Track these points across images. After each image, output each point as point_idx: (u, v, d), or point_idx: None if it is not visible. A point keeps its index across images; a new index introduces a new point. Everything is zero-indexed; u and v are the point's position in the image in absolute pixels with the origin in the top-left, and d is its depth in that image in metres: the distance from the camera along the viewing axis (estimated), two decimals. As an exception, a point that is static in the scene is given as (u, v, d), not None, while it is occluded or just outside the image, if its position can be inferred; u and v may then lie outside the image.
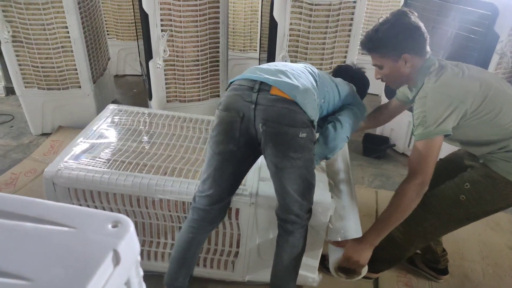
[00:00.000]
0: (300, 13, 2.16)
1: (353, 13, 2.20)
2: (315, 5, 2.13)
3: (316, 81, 1.40)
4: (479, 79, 1.38)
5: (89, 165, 1.51)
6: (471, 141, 1.45)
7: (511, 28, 2.02)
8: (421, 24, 1.39)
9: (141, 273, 0.54)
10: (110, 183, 1.44)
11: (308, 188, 1.32)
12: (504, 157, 1.40)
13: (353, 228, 1.43)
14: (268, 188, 1.43)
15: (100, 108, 2.25)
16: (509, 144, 1.37)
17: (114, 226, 0.50)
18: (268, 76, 1.30)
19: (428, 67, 1.39)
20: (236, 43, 3.39)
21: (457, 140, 1.49)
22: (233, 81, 1.36)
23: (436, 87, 1.33)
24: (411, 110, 1.80)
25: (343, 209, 1.49)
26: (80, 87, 2.59)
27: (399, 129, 2.65)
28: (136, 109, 1.96)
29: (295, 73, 1.36)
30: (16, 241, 0.46)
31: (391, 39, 1.37)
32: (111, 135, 1.75)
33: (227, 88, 1.37)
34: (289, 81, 1.30)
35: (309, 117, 1.26)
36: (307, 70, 1.44)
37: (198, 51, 2.38)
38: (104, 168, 1.51)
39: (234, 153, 1.30)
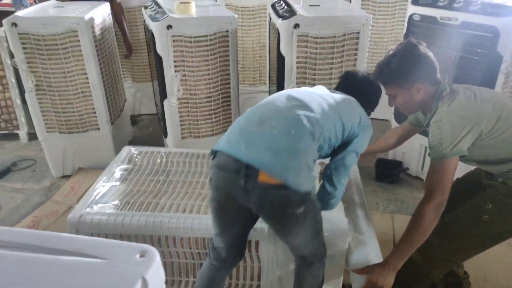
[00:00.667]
0: (306, 46, 2.25)
1: (357, 44, 2.28)
2: (320, 38, 2.22)
3: (318, 118, 1.28)
4: (491, 100, 1.42)
5: (110, 209, 1.57)
6: (489, 160, 1.47)
7: (514, 48, 2.06)
8: (430, 54, 1.45)
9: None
10: (131, 225, 1.50)
11: (316, 233, 1.34)
12: None
13: (374, 253, 1.43)
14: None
15: (118, 147, 2.34)
16: None
17: (141, 256, 0.55)
18: (255, 156, 1.19)
19: (441, 92, 1.45)
20: (246, 78, 3.51)
21: (474, 160, 1.51)
22: (218, 151, 1.28)
23: (450, 110, 1.38)
24: (422, 133, 1.83)
25: (361, 234, 1.49)
26: (98, 129, 2.70)
27: (411, 152, 2.66)
28: (151, 149, 2.03)
29: (292, 123, 1.24)
30: (54, 274, 0.51)
31: (403, 70, 1.43)
32: (129, 177, 1.82)
33: (212, 156, 1.30)
34: (278, 157, 1.19)
35: (305, 191, 1.21)
36: (314, 103, 1.32)
37: (210, 88, 2.48)
38: (124, 210, 1.56)
39: (235, 218, 1.34)
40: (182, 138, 2.57)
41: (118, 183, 1.76)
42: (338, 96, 1.42)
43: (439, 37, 2.32)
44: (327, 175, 1.39)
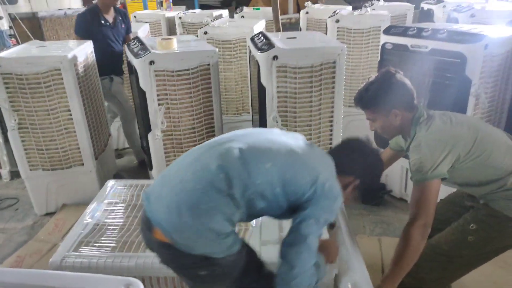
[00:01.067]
0: (285, 76, 2.33)
1: (334, 72, 2.37)
2: (298, 68, 2.31)
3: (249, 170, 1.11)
4: (466, 124, 1.50)
5: (93, 250, 1.56)
6: (469, 183, 1.53)
7: (480, 71, 2.17)
8: (407, 81, 1.54)
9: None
10: (114, 267, 1.48)
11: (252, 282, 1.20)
12: (503, 196, 1.47)
13: (363, 280, 1.43)
14: (271, 253, 1.34)
15: (103, 182, 2.33)
16: (506, 183, 1.45)
17: (126, 288, 0.56)
18: (154, 211, 1.12)
19: (418, 117, 1.52)
20: (230, 108, 3.57)
21: (454, 183, 1.57)
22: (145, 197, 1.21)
23: (428, 135, 1.45)
24: (404, 156, 1.90)
25: (348, 261, 1.50)
26: (82, 164, 2.69)
27: (393, 174, 2.72)
28: (135, 182, 2.03)
29: (202, 176, 1.10)
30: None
31: (381, 97, 1.52)
32: (113, 213, 1.81)
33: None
34: (173, 215, 1.08)
35: (201, 254, 1.09)
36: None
37: (193, 119, 2.52)
38: (108, 251, 1.55)
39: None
40: (167, 170, 2.58)
41: (102, 219, 1.75)
42: (300, 149, 1.21)
43: (411, 64, 2.43)
44: (280, 249, 1.18)
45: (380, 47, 2.62)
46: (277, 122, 2.39)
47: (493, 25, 2.55)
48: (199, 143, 2.58)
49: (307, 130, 2.45)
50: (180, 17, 4.05)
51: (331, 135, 2.50)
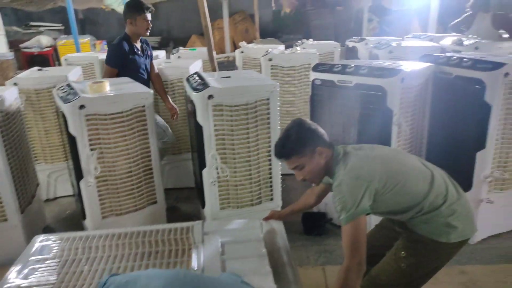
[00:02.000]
0: (222, 114, 2.36)
1: (268, 109, 2.45)
2: (234, 106, 2.36)
3: None
4: (379, 157, 1.60)
5: None
6: (392, 211, 1.62)
7: (399, 102, 2.37)
8: (317, 126, 1.65)
9: None
10: None
11: None
12: (423, 220, 1.56)
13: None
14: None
15: (30, 237, 2.13)
16: (423, 207, 1.55)
17: None
18: None
19: (337, 155, 1.60)
20: (169, 147, 3.51)
21: (379, 213, 1.66)
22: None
23: (346, 174, 1.52)
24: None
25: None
26: (6, 220, 2.46)
27: (332, 203, 2.80)
28: (67, 234, 1.88)
29: None
30: None
31: (303, 138, 1.59)
32: (41, 272, 1.64)
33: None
34: None
35: None
36: None
37: (130, 162, 2.44)
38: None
39: None
40: (103, 217, 2.44)
41: (28, 279, 1.59)
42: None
43: (339, 98, 2.60)
44: None
45: (310, 83, 2.77)
46: (216, 159, 2.39)
47: (408, 60, 2.81)
48: (137, 187, 2.50)
49: (247, 165, 2.47)
50: (114, 59, 3.99)
51: (270, 169, 2.55)
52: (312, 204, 1.99)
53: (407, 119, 2.48)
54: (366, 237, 1.48)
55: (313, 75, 2.72)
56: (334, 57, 4.47)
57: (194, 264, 1.61)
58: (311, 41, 4.70)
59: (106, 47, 6.11)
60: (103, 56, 4.42)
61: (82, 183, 2.31)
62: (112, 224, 2.39)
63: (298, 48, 3.77)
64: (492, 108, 2.32)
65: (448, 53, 3.15)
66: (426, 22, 6.66)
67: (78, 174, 2.31)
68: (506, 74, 2.28)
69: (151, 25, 3.09)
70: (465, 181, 2.44)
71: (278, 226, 1.94)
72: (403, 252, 1.59)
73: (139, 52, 3.15)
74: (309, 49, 3.89)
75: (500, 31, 4.21)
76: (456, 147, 2.57)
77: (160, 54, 4.47)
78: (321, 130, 1.64)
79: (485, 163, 2.43)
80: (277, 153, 1.65)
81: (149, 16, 3.05)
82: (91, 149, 2.28)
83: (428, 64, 2.63)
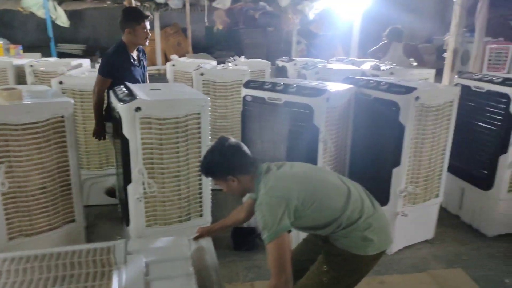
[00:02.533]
0: (150, 128, 2.27)
1: (199, 123, 2.41)
2: (163, 119, 2.29)
3: None
4: (299, 175, 1.65)
5: None
6: (313, 227, 1.67)
7: (325, 120, 2.49)
8: (241, 144, 1.67)
9: None
10: None
11: None
12: (342, 234, 1.62)
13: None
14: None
15: None
16: (341, 222, 1.61)
17: None
18: None
19: (259, 174, 1.63)
20: (92, 161, 3.30)
21: (302, 229, 1.71)
22: None
23: (266, 193, 1.55)
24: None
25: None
26: None
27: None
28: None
29: None
30: None
31: (214, 166, 1.64)
32: None
33: None
34: None
35: None
36: None
37: (44, 177, 2.23)
38: None
39: None
40: (10, 238, 2.18)
41: None
42: None
43: (269, 115, 2.65)
44: None
45: (242, 99, 2.80)
46: (143, 174, 2.28)
47: (332, 82, 2.98)
48: (52, 204, 2.29)
49: (176, 181, 2.40)
50: (31, 65, 3.67)
51: (200, 184, 2.50)
52: (242, 219, 1.98)
53: (332, 136, 2.60)
54: (290, 253, 1.50)
55: (244, 92, 2.76)
56: (265, 75, 4.58)
57: (115, 287, 1.49)
58: (243, 58, 4.79)
59: (22, 52, 5.61)
60: (19, 61, 4.08)
61: (-15, 201, 2.05)
62: (20, 246, 2.14)
63: (230, 64, 3.81)
64: (405, 128, 2.54)
65: (368, 76, 3.40)
66: (349, 47, 7.21)
67: (-19, 190, 2.05)
68: (417, 98, 2.52)
69: (150, 34, 2.94)
70: (383, 195, 2.62)
71: (207, 243, 1.89)
72: (324, 266, 1.64)
73: (135, 62, 2.96)
74: (241, 66, 3.95)
75: (410, 59, 4.69)
76: (375, 164, 2.75)
77: (84, 62, 4.22)
78: (240, 154, 1.65)
79: (400, 178, 2.63)
80: (200, 170, 1.71)
81: (148, 24, 2.90)
82: (-2, 163, 2.05)
83: (350, 85, 2.82)
